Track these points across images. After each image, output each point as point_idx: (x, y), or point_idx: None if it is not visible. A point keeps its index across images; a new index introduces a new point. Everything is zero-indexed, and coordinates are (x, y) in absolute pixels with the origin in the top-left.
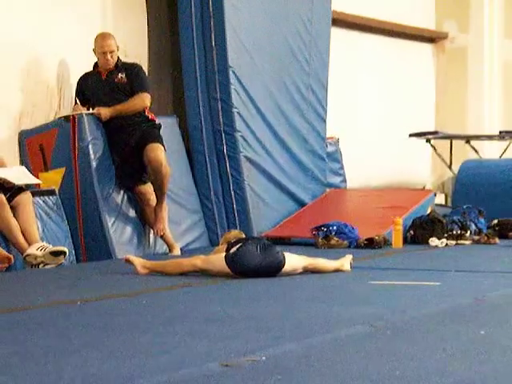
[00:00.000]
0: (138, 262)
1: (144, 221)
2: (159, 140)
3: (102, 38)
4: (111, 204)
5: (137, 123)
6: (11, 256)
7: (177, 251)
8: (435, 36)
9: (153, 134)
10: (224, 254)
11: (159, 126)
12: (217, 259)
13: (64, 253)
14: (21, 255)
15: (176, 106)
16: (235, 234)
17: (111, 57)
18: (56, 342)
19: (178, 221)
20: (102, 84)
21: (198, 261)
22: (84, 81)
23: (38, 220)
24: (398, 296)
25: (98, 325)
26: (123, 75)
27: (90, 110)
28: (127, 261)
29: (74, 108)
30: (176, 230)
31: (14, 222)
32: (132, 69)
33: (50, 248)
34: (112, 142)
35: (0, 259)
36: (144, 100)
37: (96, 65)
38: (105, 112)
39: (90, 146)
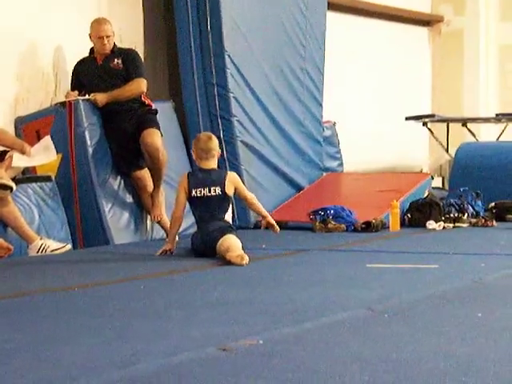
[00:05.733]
0: (165, 246)
1: (141, 206)
2: (156, 125)
3: (98, 23)
4: (108, 190)
5: (133, 109)
6: (11, 246)
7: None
8: (431, 19)
9: (149, 119)
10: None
11: (156, 112)
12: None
13: (11, 188)
14: (26, 244)
15: (172, 91)
16: (203, 138)
17: (108, 42)
18: (53, 328)
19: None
20: (97, 69)
21: (177, 206)
22: (80, 66)
23: (35, 207)
24: (395, 279)
25: (95, 311)
26: (119, 61)
27: (86, 96)
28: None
29: (66, 94)
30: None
31: (18, 213)
32: (128, 54)
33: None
34: (108, 127)
35: (0, 249)
36: (140, 85)
37: (92, 50)
38: (101, 98)
39: (87, 132)
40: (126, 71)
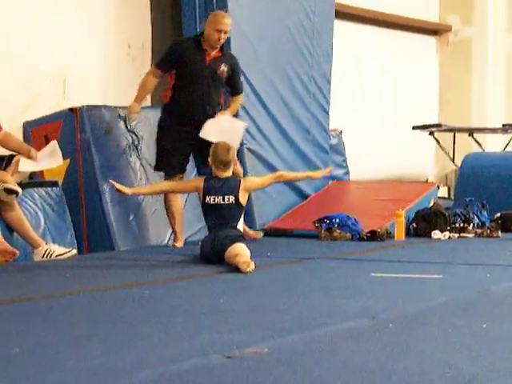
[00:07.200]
0: (124, 187)
1: (147, 212)
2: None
3: (220, 16)
4: (114, 196)
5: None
6: (16, 251)
7: (180, 243)
8: (439, 29)
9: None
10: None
11: None
12: (190, 185)
13: (17, 193)
14: (31, 249)
15: None
16: (221, 150)
17: (223, 37)
18: (58, 333)
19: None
20: (205, 68)
21: (172, 183)
22: (184, 49)
23: (41, 212)
24: (400, 289)
25: (101, 316)
26: (225, 68)
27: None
28: (118, 190)
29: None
30: None
31: (24, 218)
32: (234, 64)
33: (6, 185)
34: (175, 127)
35: (5, 253)
36: (240, 103)
37: (198, 39)
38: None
39: (93, 138)
40: (227, 81)
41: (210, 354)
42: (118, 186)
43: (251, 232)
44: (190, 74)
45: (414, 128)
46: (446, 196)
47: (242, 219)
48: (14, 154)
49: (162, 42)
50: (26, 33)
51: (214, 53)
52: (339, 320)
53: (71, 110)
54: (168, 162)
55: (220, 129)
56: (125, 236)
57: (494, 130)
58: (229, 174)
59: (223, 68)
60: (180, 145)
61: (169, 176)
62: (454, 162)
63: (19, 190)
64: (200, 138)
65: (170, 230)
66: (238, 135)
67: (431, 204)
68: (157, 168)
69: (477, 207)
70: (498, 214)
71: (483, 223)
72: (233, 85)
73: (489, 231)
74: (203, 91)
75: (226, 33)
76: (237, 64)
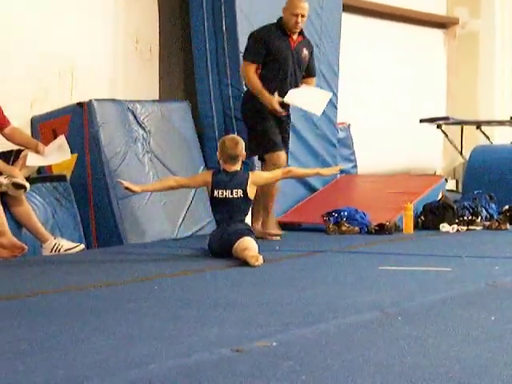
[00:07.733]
0: (133, 185)
1: (155, 206)
2: None
3: (298, 0)
4: (122, 190)
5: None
6: (25, 245)
7: None
8: (446, 21)
9: (288, 139)
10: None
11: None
12: (199, 180)
13: (25, 188)
14: (40, 243)
15: (187, 92)
16: (229, 144)
17: (301, 21)
18: (67, 327)
19: (189, 207)
20: (291, 52)
21: (180, 178)
22: (269, 38)
23: (49, 206)
24: (408, 282)
25: (109, 310)
26: (307, 52)
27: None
28: (126, 188)
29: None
30: (186, 216)
31: (32, 213)
32: (312, 49)
33: (14, 180)
34: (264, 110)
35: (13, 248)
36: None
37: (280, 25)
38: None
39: (101, 132)
40: (306, 64)
41: (218, 347)
42: (126, 183)
43: (273, 232)
44: (278, 60)
45: (421, 121)
46: (454, 189)
47: (260, 222)
48: (22, 148)
49: (170, 35)
50: (33, 28)
51: (296, 37)
52: (348, 313)
53: (79, 104)
54: (273, 139)
55: (304, 95)
56: (133, 230)
57: (501, 123)
58: (237, 167)
59: (306, 52)
60: (275, 123)
61: (273, 150)
62: (462, 154)
63: (27, 184)
64: (282, 131)
65: (179, 223)
66: (322, 104)
67: (439, 197)
68: (265, 150)
69: (485, 200)
70: (507, 207)
71: (491, 216)
72: (310, 68)
73: (497, 224)
74: (291, 76)
75: (303, 16)
76: (313, 49)
